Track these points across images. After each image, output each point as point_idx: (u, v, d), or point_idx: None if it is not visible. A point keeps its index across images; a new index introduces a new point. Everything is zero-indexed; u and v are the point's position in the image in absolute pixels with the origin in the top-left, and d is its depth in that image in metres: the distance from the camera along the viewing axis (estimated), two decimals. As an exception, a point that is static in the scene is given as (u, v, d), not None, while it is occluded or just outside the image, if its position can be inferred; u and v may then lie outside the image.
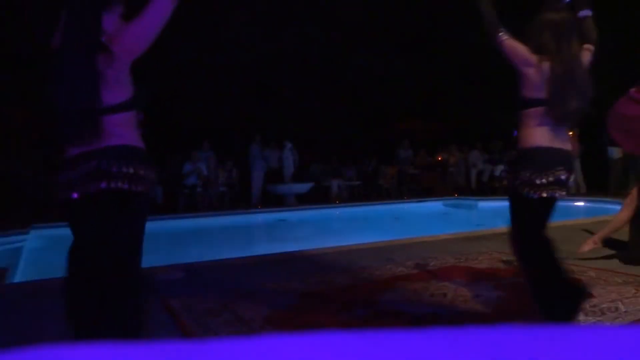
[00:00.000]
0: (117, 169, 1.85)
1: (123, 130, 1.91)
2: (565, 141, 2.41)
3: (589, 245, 4.05)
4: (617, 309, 2.67)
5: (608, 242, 4.29)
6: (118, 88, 1.89)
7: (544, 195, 2.28)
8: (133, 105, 1.96)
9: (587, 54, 2.52)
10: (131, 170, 1.87)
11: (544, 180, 2.29)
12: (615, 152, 10.39)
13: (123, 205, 1.89)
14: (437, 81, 14.97)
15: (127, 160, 1.88)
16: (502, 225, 4.66)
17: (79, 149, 1.85)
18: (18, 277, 4.63)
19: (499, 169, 12.60)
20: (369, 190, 12.98)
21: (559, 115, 2.35)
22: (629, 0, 11.35)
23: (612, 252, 4.26)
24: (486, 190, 12.28)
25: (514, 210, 2.44)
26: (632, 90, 3.13)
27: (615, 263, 3.85)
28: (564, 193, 2.34)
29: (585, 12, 2.60)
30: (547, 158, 2.34)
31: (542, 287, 2.39)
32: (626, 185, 10.82)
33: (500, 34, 2.45)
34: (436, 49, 14.16)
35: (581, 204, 10.37)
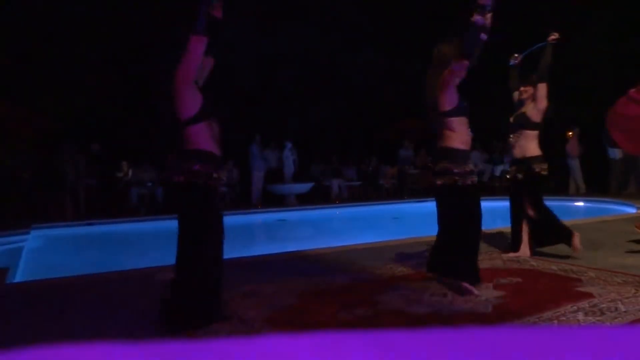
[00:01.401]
0: (177, 166, 2.56)
1: (196, 137, 2.58)
2: (439, 139, 3.23)
3: None
4: (616, 308, 2.67)
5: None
6: (185, 108, 2.58)
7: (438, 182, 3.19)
8: (200, 118, 2.58)
9: (448, 71, 3.10)
10: (189, 168, 2.53)
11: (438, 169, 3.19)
12: (617, 153, 10.38)
13: (184, 193, 2.57)
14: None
15: (190, 160, 2.55)
16: (502, 225, 4.67)
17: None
18: (18, 277, 4.63)
19: (499, 169, 12.60)
20: (369, 190, 12.97)
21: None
22: (629, 1, 11.35)
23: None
24: (486, 190, 12.27)
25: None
26: (632, 90, 3.13)
27: (612, 263, 3.85)
28: (464, 180, 3.10)
29: (479, 22, 3.05)
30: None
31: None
32: (626, 185, 10.82)
33: None
34: (432, 46, 14.15)
35: (581, 204, 10.37)
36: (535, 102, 4.24)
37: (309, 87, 14.57)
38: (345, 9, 14.18)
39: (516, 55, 4.58)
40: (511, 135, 4.38)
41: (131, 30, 11.25)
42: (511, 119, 4.44)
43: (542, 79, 4.23)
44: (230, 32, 12.78)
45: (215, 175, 2.59)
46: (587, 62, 12.29)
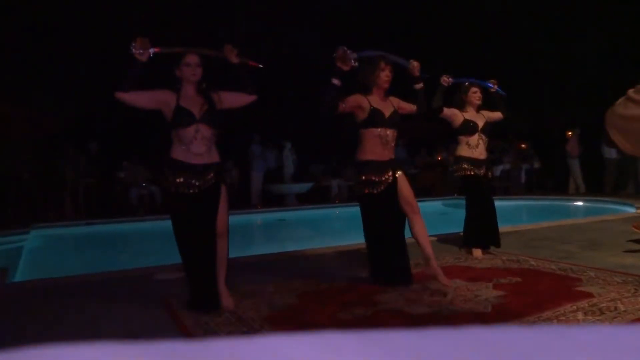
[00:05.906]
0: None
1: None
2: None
3: None
4: (616, 308, 2.67)
5: None
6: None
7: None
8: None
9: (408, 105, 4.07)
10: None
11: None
12: (613, 152, 10.37)
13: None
14: (436, 81, 14.95)
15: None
16: (502, 225, 4.66)
17: None
18: (18, 277, 4.63)
19: (499, 169, 12.59)
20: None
21: None
22: (628, 1, 11.35)
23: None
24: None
25: None
26: (631, 90, 3.13)
27: (611, 262, 3.85)
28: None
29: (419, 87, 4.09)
30: None
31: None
32: (624, 186, 10.81)
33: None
34: (434, 49, 14.18)
35: (580, 204, 10.36)
36: (485, 112, 4.48)
37: (309, 87, 14.56)
38: (345, 9, 14.18)
39: (449, 78, 4.40)
40: (484, 137, 4.44)
41: (131, 30, 11.24)
42: (471, 121, 4.42)
43: (502, 112, 4.53)
44: (230, 32, 12.79)
45: (177, 180, 2.84)
46: (587, 62, 12.29)
